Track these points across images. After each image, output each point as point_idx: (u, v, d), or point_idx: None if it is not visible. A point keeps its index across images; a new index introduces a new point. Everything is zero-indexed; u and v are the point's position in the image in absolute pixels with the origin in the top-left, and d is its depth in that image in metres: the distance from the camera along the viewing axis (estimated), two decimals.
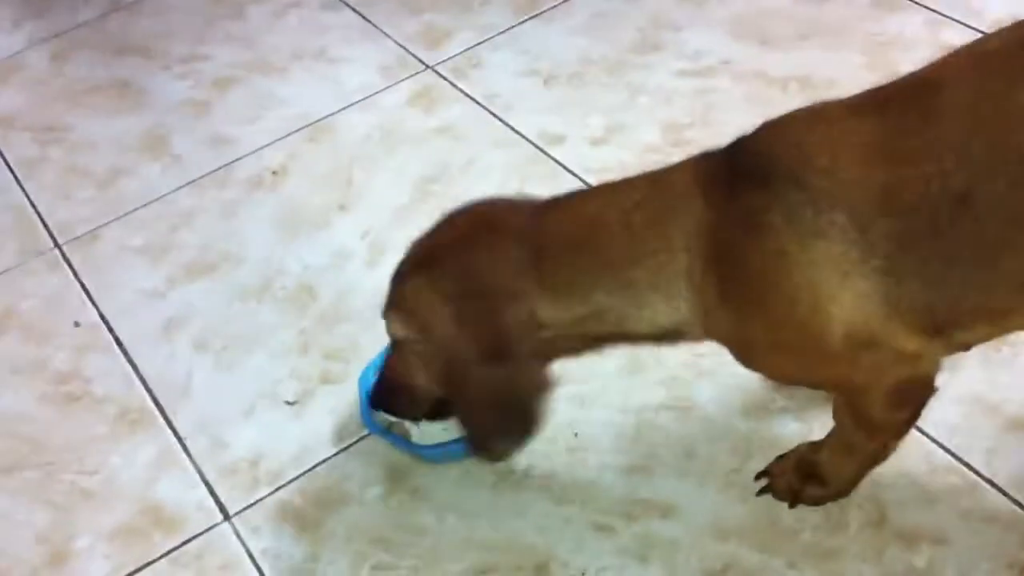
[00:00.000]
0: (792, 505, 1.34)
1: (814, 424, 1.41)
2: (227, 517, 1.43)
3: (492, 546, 1.35)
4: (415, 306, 1.18)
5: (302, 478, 1.46)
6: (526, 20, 2.23)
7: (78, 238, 1.88)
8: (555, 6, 2.25)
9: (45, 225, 1.92)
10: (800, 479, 1.34)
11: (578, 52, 2.13)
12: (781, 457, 1.38)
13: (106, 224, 1.90)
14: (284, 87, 2.16)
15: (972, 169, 1.01)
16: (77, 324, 1.72)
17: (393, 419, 1.43)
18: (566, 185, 1.78)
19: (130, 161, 2.03)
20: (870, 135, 1.05)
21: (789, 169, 1.06)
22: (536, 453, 1.43)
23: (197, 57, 2.28)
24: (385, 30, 2.27)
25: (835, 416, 1.28)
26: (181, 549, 1.40)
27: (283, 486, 1.45)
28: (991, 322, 1.11)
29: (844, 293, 1.05)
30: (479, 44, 2.19)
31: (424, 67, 2.15)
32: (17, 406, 1.61)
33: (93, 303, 1.76)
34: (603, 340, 1.20)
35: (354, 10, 2.35)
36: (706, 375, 1.49)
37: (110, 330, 1.70)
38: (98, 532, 1.43)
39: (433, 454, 1.44)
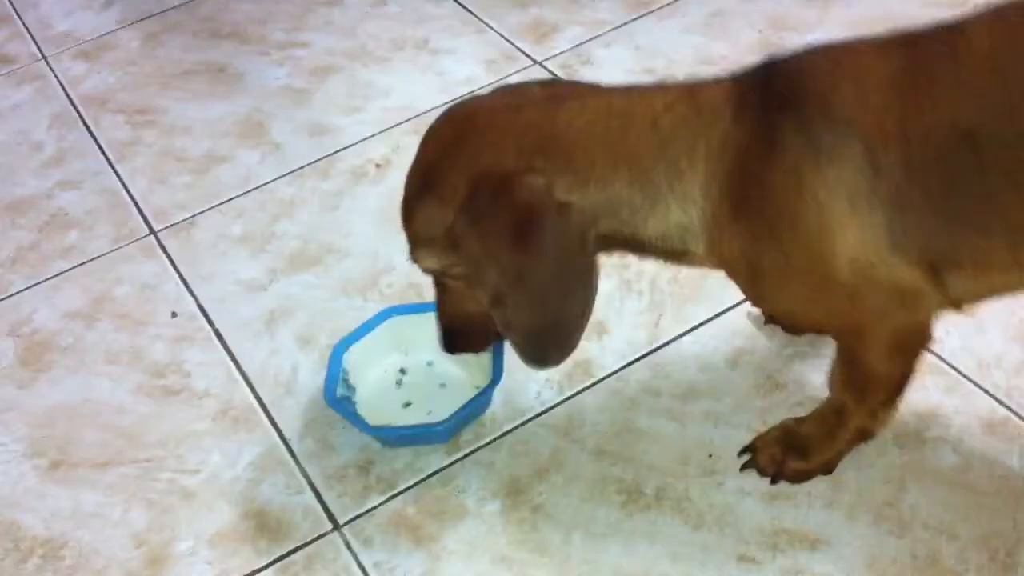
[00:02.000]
0: (774, 481, 1.34)
1: (972, 459, 1.31)
2: (336, 526, 1.34)
3: (623, 572, 1.25)
4: (433, 232, 1.13)
5: (416, 488, 1.37)
6: (639, 17, 2.14)
7: (174, 225, 1.81)
8: (669, 3, 2.16)
9: (140, 210, 1.86)
10: (783, 452, 1.33)
11: (694, 51, 2.03)
12: (759, 436, 1.37)
13: (203, 212, 1.83)
14: (385, 77, 2.08)
15: (984, 112, 1.04)
16: (174, 314, 1.65)
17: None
18: None
19: (227, 147, 1.96)
20: (894, 69, 1.08)
21: (816, 94, 1.09)
22: (668, 472, 1.34)
23: (294, 44, 2.21)
24: (488, 22, 2.19)
25: (831, 379, 1.29)
26: (288, 558, 1.31)
27: (396, 495, 1.36)
28: (984, 273, 1.12)
29: (851, 219, 1.07)
30: (590, 40, 2.09)
31: (532, 62, 2.06)
32: (112, 398, 1.53)
33: (191, 293, 1.68)
34: (609, 241, 1.16)
35: (456, 0, 2.27)
36: None
37: (209, 322, 1.62)
38: (199, 535, 1.35)
39: (389, 435, 1.40)
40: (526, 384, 1.47)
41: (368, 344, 1.48)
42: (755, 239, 1.12)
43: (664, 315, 1.54)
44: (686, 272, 1.58)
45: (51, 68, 2.24)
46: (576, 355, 1.48)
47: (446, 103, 1.98)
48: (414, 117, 1.96)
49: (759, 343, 1.48)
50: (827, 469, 1.33)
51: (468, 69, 2.07)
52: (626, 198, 1.12)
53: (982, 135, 1.03)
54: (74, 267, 1.76)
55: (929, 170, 1.05)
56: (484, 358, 1.43)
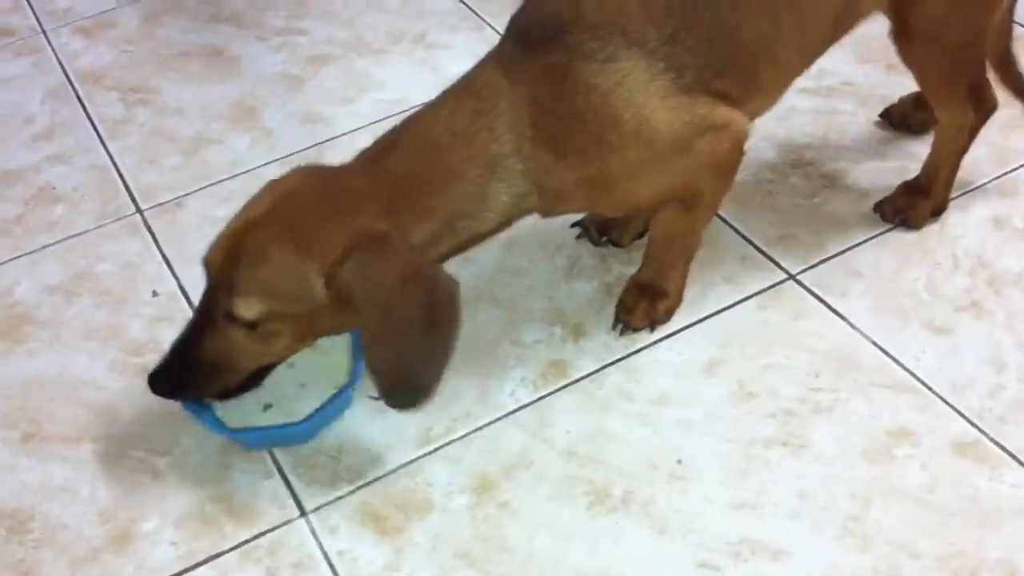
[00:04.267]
0: (652, 328, 1.51)
1: (939, 479, 1.32)
2: (303, 513, 1.34)
3: (586, 573, 1.26)
4: (282, 282, 1.20)
5: (384, 479, 1.37)
6: None
7: (161, 204, 1.81)
8: None
9: (128, 188, 1.85)
10: (649, 302, 1.50)
11: None
12: (619, 305, 1.53)
13: (190, 193, 1.83)
14: (381, 69, 2.09)
15: None
16: (155, 294, 1.65)
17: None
18: None
19: (218, 131, 1.96)
20: None
21: (568, 20, 1.26)
22: (635, 477, 1.34)
23: (292, 31, 2.21)
24: (486, 19, 2.19)
25: (660, 230, 1.47)
26: (253, 543, 1.31)
27: (364, 486, 1.36)
28: (753, 85, 1.38)
29: (653, 97, 1.27)
30: None
31: None
32: (87, 373, 1.53)
33: (173, 273, 1.68)
34: (451, 253, 1.31)
35: None
36: (823, 412, 1.39)
37: (189, 303, 1.62)
38: (166, 516, 1.35)
39: (248, 438, 1.39)
40: (501, 381, 1.47)
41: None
42: (589, 159, 1.29)
43: None
44: None
45: (49, 42, 2.24)
46: (552, 355, 1.51)
47: None
48: (407, 111, 1.95)
49: (734, 352, 1.48)
50: (681, 296, 1.53)
51: (464, 65, 2.05)
52: (465, 211, 1.27)
53: None
54: (57, 242, 1.76)
55: (682, 34, 1.28)
56: (343, 357, 1.43)
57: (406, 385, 1.25)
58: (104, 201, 1.83)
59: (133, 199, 1.83)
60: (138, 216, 1.79)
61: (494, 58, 1.32)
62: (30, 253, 1.74)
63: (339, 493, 1.36)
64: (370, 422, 1.44)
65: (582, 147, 1.29)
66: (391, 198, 1.24)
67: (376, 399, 1.45)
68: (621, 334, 1.51)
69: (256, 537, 1.32)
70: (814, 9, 1.40)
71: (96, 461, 1.42)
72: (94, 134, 1.98)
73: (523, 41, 1.30)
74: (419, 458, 1.39)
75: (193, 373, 1.28)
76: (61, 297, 1.66)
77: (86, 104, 2.05)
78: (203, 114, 2.00)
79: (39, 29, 2.29)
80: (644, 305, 1.51)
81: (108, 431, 1.46)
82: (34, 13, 2.34)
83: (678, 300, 1.53)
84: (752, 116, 1.43)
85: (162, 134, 1.97)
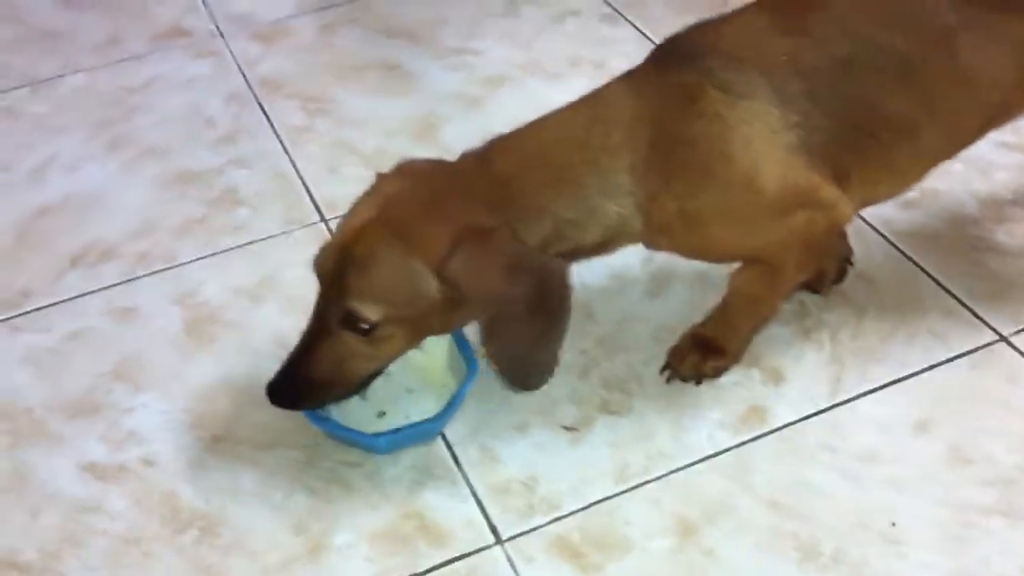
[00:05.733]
0: (698, 382, 1.47)
1: None
2: (499, 540, 1.32)
3: None
4: (397, 282, 1.20)
5: (581, 513, 1.34)
6: None
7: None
8: None
9: (311, 197, 1.86)
10: (700, 356, 1.46)
11: None
12: (672, 350, 1.49)
13: None
14: (560, 93, 2.05)
15: (855, 43, 1.27)
16: None
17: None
18: None
19: (398, 145, 1.96)
20: (770, 20, 1.28)
21: (711, 47, 1.25)
22: (846, 536, 1.29)
23: (468, 51, 2.21)
24: None
25: (735, 288, 1.42)
26: (450, 566, 1.29)
27: (560, 518, 1.33)
28: (887, 165, 1.32)
29: (775, 149, 1.23)
30: None
31: None
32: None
33: None
34: (566, 259, 1.29)
35: (633, 26, 2.25)
36: None
37: None
38: (359, 530, 1.34)
39: (389, 442, 1.38)
40: (696, 422, 1.44)
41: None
42: (691, 191, 1.24)
43: (845, 371, 1.49)
44: (868, 327, 1.53)
45: (228, 46, 2.27)
46: (750, 399, 1.47)
47: None
48: None
49: (944, 413, 1.42)
50: (738, 359, 1.48)
51: None
52: (571, 218, 1.25)
53: (856, 60, 1.26)
54: (242, 245, 1.77)
55: (823, 96, 1.24)
56: (436, 360, 1.46)
57: (525, 370, 1.27)
58: (287, 208, 1.84)
59: (317, 208, 1.84)
60: (323, 225, 1.80)
61: (627, 74, 1.31)
62: (216, 254, 1.76)
63: (535, 523, 1.33)
64: (563, 452, 1.41)
65: (689, 175, 1.24)
66: (499, 195, 1.23)
67: (570, 429, 1.44)
68: (668, 381, 1.48)
69: (452, 561, 1.30)
70: (969, 99, 1.33)
71: (287, 469, 1.41)
72: (276, 141, 1.99)
73: (659, 60, 1.29)
74: (616, 495, 1.36)
75: (310, 383, 1.28)
76: (248, 300, 1.67)
77: (267, 110, 2.07)
78: (383, 128, 2.01)
79: (217, 32, 2.32)
80: (695, 358, 1.47)
81: (298, 440, 1.45)
82: (211, 16, 2.38)
83: (733, 362, 1.48)
84: (878, 199, 1.42)
85: (343, 145, 1.97)
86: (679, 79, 1.23)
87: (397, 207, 1.23)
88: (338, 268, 1.22)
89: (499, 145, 1.29)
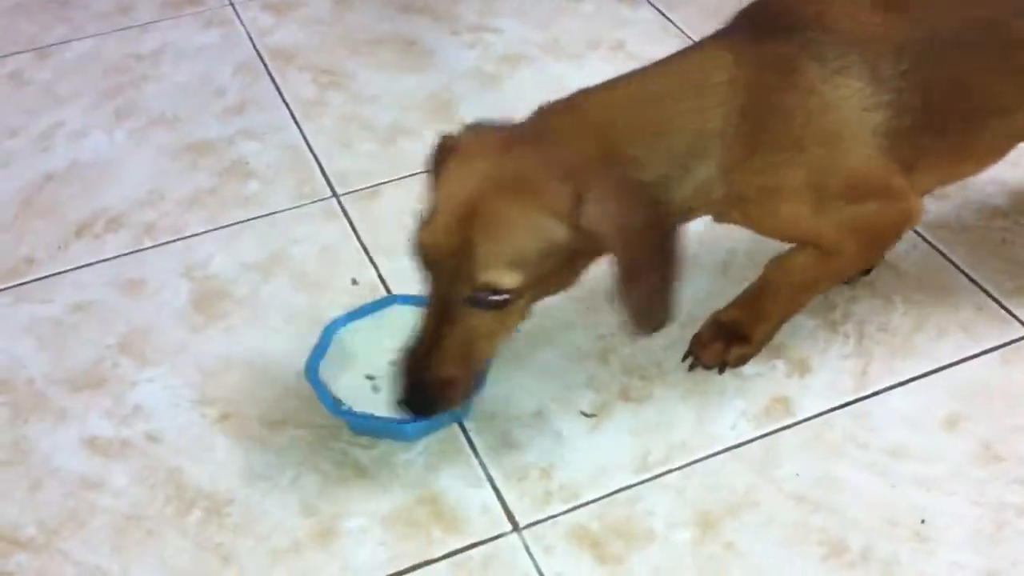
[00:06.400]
0: (721, 370, 1.43)
1: None
2: (516, 528, 1.28)
3: None
4: (530, 239, 1.12)
5: (600, 502, 1.30)
6: None
7: (357, 191, 1.77)
8: None
9: (323, 171, 1.81)
10: (724, 343, 1.42)
11: None
12: (695, 338, 1.45)
13: (386, 182, 1.78)
14: (578, 73, 2.02)
15: (953, 18, 1.24)
16: (355, 282, 1.60)
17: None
18: None
19: (413, 121, 1.91)
20: None
21: (811, 17, 1.21)
22: (874, 532, 1.25)
23: (486, 28, 2.16)
24: (686, 31, 2.12)
25: (782, 271, 1.36)
26: (464, 553, 1.25)
27: (579, 507, 1.29)
28: (967, 147, 1.31)
29: (864, 129, 1.20)
30: None
31: None
32: (288, 357, 1.48)
33: (372, 262, 1.63)
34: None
35: (654, 7, 2.20)
36: None
37: (389, 294, 1.57)
38: (371, 515, 1.29)
39: (415, 430, 1.35)
40: (720, 411, 1.40)
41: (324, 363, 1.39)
42: (777, 164, 1.21)
43: (871, 364, 1.45)
44: (896, 322, 1.49)
45: (238, 15, 2.22)
46: (775, 390, 1.43)
47: None
48: None
49: (976, 408, 1.39)
50: (760, 348, 1.44)
51: None
52: (664, 174, 1.19)
53: (957, 42, 1.22)
54: (253, 218, 1.72)
55: (921, 75, 1.21)
56: None
57: (664, 305, 1.19)
58: (299, 182, 1.79)
59: (329, 183, 1.79)
60: (334, 201, 1.75)
61: (722, 35, 1.26)
62: (226, 227, 1.71)
63: (553, 512, 1.29)
64: (582, 439, 1.37)
65: (776, 147, 1.21)
66: (597, 146, 1.16)
67: (589, 415, 1.40)
68: (691, 368, 1.44)
69: (467, 548, 1.26)
70: None
71: (297, 449, 1.37)
72: (287, 113, 1.95)
73: (756, 27, 1.25)
74: (637, 484, 1.32)
75: (443, 378, 1.19)
76: (258, 275, 1.62)
77: (278, 82, 2.02)
78: (398, 103, 1.96)
79: (228, 1, 2.27)
80: (719, 346, 1.43)
81: (309, 419, 1.40)
82: None
83: (756, 350, 1.45)
84: (951, 181, 1.42)
85: (356, 119, 1.92)
86: (777, 49, 1.20)
87: (508, 165, 1.14)
88: (460, 241, 1.13)
89: (590, 98, 1.22)
